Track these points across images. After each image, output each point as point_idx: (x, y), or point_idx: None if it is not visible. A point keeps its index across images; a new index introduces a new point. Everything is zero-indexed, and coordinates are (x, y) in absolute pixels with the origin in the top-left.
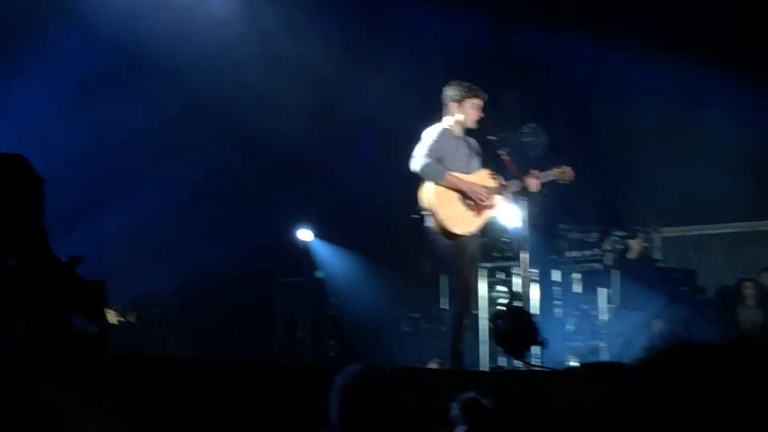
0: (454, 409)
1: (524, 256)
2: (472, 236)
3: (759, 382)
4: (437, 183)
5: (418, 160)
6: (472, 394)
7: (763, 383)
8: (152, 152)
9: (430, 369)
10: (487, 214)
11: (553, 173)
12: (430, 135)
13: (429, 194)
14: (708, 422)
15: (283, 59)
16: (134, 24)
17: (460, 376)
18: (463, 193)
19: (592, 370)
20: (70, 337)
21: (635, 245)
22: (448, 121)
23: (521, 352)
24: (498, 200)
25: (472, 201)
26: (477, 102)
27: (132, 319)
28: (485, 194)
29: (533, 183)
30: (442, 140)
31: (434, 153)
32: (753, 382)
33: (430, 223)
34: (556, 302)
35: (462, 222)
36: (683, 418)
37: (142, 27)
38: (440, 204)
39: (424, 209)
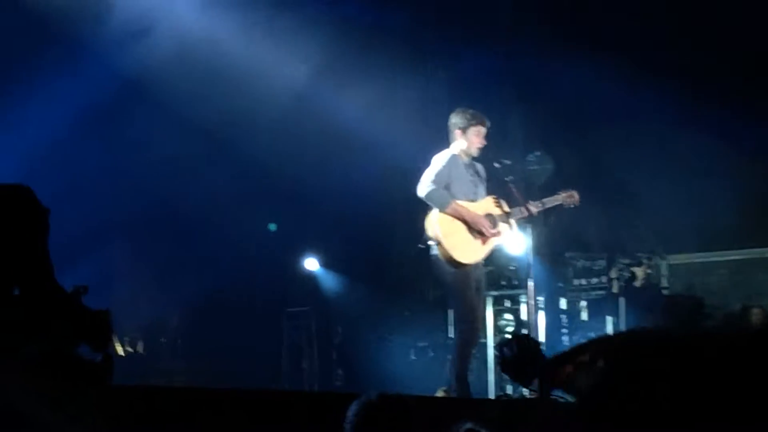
0: None
1: (530, 284)
2: (478, 264)
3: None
4: (441, 211)
5: (424, 187)
6: (469, 425)
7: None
8: (155, 181)
9: (437, 397)
10: (493, 242)
11: (561, 197)
12: (438, 161)
13: (434, 223)
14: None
15: (287, 84)
16: (130, 55)
17: (467, 404)
18: (466, 222)
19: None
20: (73, 365)
21: (641, 273)
22: (455, 148)
23: (528, 380)
24: (503, 228)
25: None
26: (481, 129)
27: (140, 349)
28: (488, 224)
29: (534, 209)
30: (451, 166)
31: (441, 179)
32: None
33: (435, 251)
34: (563, 330)
35: (468, 251)
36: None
37: (140, 58)
38: (445, 233)
39: (430, 238)
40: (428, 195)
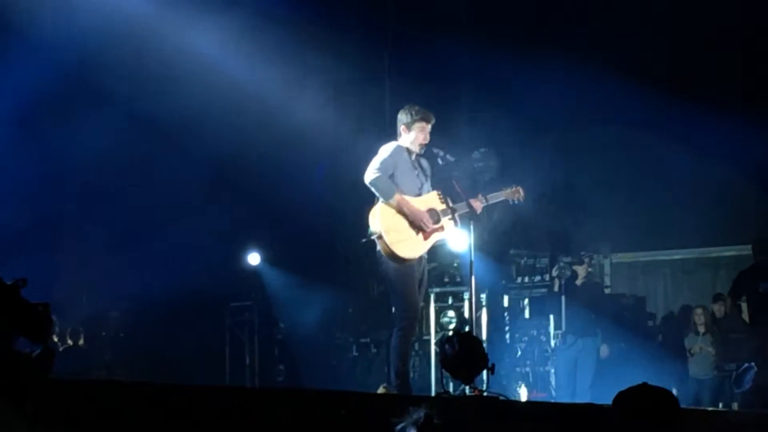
0: (410, 429)
1: (473, 281)
2: (420, 259)
3: None
4: (385, 202)
5: (370, 174)
6: (424, 412)
7: None
8: (103, 177)
9: (378, 394)
10: (435, 238)
11: (504, 193)
12: (384, 150)
13: (376, 218)
14: None
15: (234, 85)
16: (84, 46)
17: (407, 401)
18: (408, 217)
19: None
20: (11, 358)
21: (582, 271)
22: (402, 142)
23: (469, 378)
24: (446, 223)
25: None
26: (424, 125)
27: (80, 342)
28: (429, 219)
29: (479, 205)
30: (396, 156)
31: (386, 168)
32: None
33: (378, 246)
34: (505, 328)
35: (409, 246)
36: None
37: (93, 48)
38: (387, 228)
39: (372, 233)
40: (373, 182)
